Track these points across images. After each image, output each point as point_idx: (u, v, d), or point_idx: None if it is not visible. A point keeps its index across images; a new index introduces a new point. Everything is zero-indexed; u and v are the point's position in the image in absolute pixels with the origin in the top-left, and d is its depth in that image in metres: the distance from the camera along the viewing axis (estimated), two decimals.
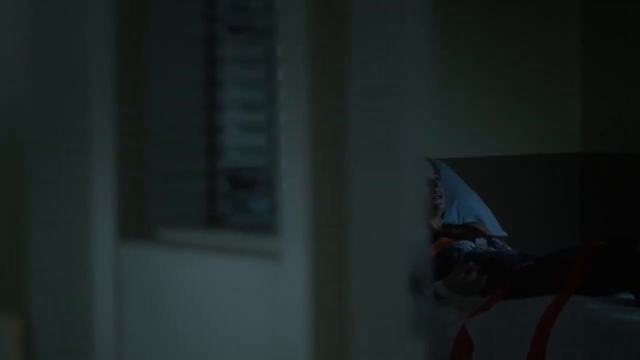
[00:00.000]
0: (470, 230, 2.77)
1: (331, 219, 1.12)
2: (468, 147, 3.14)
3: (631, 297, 2.40)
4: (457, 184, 2.95)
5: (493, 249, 2.65)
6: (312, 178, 1.12)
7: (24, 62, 1.51)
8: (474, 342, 2.36)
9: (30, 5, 1.50)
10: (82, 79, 1.44)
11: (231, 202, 1.41)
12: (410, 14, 1.09)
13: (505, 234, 2.90)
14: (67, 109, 1.47)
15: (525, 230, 3.11)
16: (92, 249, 1.43)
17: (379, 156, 1.11)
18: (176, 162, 1.44)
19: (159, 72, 1.42)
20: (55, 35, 1.48)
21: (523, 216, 3.14)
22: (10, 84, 1.54)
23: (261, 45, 1.35)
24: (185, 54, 1.42)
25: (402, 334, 1.10)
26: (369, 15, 1.11)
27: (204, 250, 1.31)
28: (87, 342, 1.45)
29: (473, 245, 2.64)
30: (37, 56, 1.50)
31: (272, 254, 1.21)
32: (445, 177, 2.86)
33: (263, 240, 1.26)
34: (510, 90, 3.18)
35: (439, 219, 2.75)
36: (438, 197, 2.68)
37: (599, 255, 2.42)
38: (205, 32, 1.42)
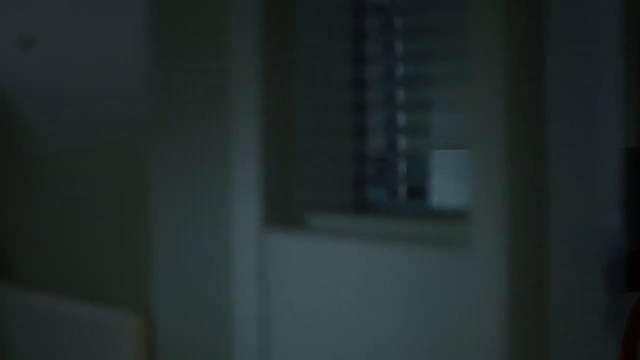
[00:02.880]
0: None
1: (529, 208, 1.01)
2: None
3: None
4: None
5: None
6: (509, 165, 1.01)
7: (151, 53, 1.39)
8: None
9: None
10: (225, 58, 1.36)
11: (379, 187, 1.32)
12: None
13: None
14: (206, 92, 1.37)
15: None
16: (233, 239, 1.34)
17: (576, 147, 1.03)
18: (324, 145, 1.34)
19: (305, 51, 1.33)
20: (188, 28, 1.38)
21: None
22: (143, 76, 1.44)
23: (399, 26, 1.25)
24: (333, 27, 1.34)
25: (599, 328, 1.02)
26: (564, 7, 1.02)
27: (358, 238, 1.19)
28: (224, 335, 1.37)
29: None
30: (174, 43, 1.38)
31: (454, 242, 1.11)
32: None
33: (429, 227, 1.16)
34: None
35: None
36: None
37: None
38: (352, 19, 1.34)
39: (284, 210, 1.32)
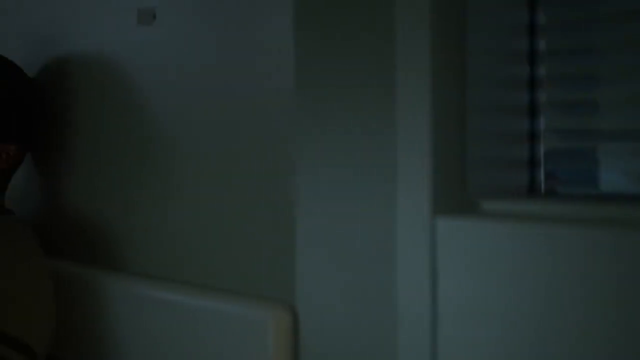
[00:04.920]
0: None
1: None
2: None
3: None
4: None
5: None
6: None
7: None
8: None
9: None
10: (388, 31, 1.24)
11: (559, 169, 1.23)
12: None
13: None
14: (364, 70, 1.27)
15: None
16: (397, 228, 1.23)
17: None
18: (495, 126, 1.24)
19: (476, 23, 1.22)
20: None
21: None
22: (290, 67, 1.36)
23: None
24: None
25: None
26: None
27: (540, 221, 1.08)
28: (384, 331, 1.25)
29: None
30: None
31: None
32: None
33: (604, 210, 1.04)
34: None
35: None
36: None
37: None
38: None
39: (454, 196, 1.21)
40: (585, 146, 1.22)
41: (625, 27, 1.17)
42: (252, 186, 1.40)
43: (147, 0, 1.56)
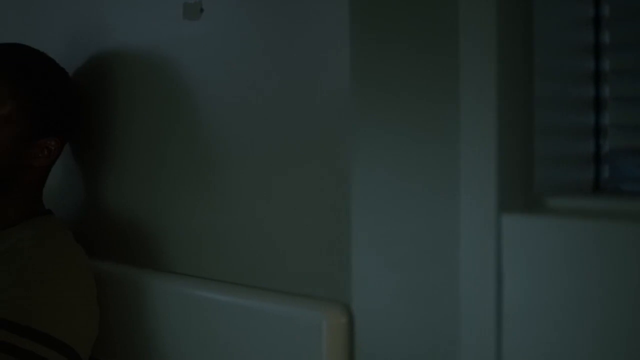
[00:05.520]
0: None
1: None
2: None
3: None
4: None
5: None
6: None
7: None
8: None
9: None
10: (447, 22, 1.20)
11: (624, 166, 1.19)
12: None
13: None
14: (421, 61, 1.23)
15: None
16: (460, 226, 1.19)
17: None
18: (564, 118, 1.20)
19: (544, 15, 1.18)
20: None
21: None
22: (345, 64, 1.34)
23: None
24: None
25: None
26: None
27: (609, 219, 1.05)
28: (446, 332, 1.21)
29: None
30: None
31: None
32: None
33: None
34: None
35: None
36: None
37: None
38: None
39: (520, 192, 1.18)
40: None
41: None
42: (306, 185, 1.37)
43: None
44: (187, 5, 1.55)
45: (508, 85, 1.17)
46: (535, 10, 1.19)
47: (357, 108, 1.29)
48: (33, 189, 1.69)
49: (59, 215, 1.76)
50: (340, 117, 1.32)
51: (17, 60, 1.66)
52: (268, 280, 1.42)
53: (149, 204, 1.66)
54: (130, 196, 1.71)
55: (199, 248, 1.55)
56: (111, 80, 1.74)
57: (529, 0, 1.19)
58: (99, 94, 1.77)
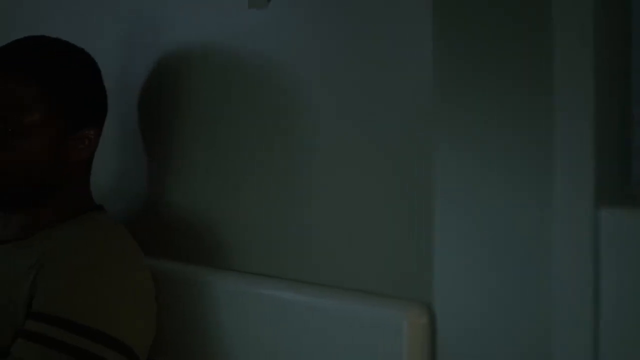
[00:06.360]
0: None
1: None
2: None
3: None
4: None
5: None
6: None
7: None
8: None
9: None
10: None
11: None
12: None
13: None
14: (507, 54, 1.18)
15: None
16: (556, 221, 1.13)
17: None
18: None
19: None
20: None
21: None
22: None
23: None
24: None
25: None
26: None
27: None
28: (536, 335, 1.16)
29: None
30: None
31: None
32: None
33: None
34: None
35: None
36: None
37: None
38: None
39: (619, 186, 1.13)
40: None
41: None
42: (389, 184, 1.32)
43: None
44: None
45: (605, 77, 1.13)
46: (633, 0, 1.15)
47: (441, 104, 1.25)
48: (80, 183, 1.65)
49: (110, 211, 1.72)
50: (424, 114, 1.28)
51: (41, 57, 1.61)
52: (347, 280, 1.37)
53: (217, 201, 1.62)
54: (193, 194, 1.67)
55: (273, 246, 1.51)
56: (172, 72, 1.71)
57: None
58: (164, 92, 1.73)
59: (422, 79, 1.27)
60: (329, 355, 1.33)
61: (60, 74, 1.60)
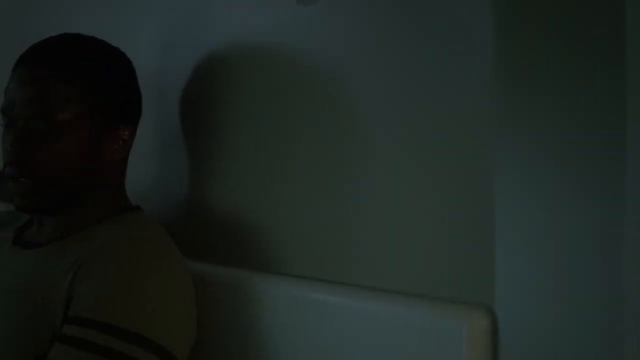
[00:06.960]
0: None
1: None
2: None
3: None
4: None
5: None
6: None
7: None
8: None
9: None
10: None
11: None
12: None
13: None
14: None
15: None
16: (626, 223, 1.10)
17: None
18: None
19: None
20: None
21: None
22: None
23: None
24: None
25: None
26: None
27: None
28: (608, 335, 1.12)
29: None
30: None
31: None
32: None
33: None
34: None
35: None
36: None
37: None
38: None
39: None
40: None
41: None
42: (449, 184, 1.29)
43: None
44: None
45: None
46: None
47: (501, 113, 1.21)
48: (115, 183, 1.63)
49: (148, 213, 1.69)
50: (482, 117, 1.24)
51: (81, 55, 1.59)
52: (405, 284, 1.33)
53: (257, 204, 1.59)
54: (235, 195, 1.63)
55: (325, 249, 1.47)
56: (215, 77, 1.68)
57: None
58: (204, 92, 1.70)
59: (481, 83, 1.23)
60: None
61: (98, 74, 1.57)
